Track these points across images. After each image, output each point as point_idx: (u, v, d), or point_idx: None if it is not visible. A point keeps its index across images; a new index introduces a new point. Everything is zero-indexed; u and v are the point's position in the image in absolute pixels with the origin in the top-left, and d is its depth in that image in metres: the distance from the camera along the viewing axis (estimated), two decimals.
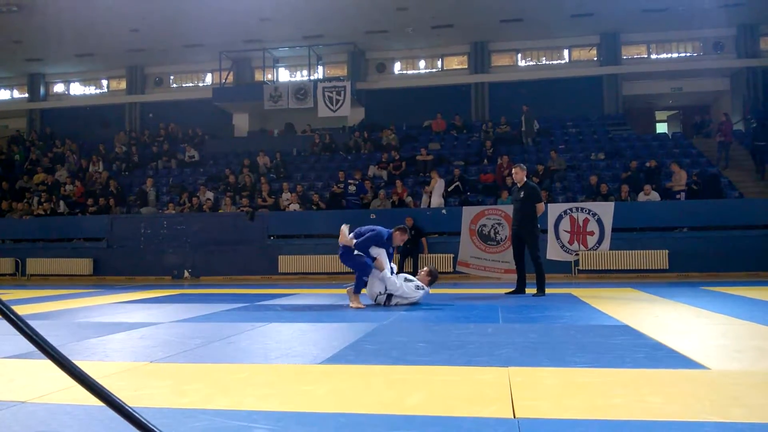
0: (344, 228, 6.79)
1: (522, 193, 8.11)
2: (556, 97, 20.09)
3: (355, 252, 6.67)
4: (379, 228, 6.79)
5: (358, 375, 3.19)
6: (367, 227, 6.88)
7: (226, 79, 21.64)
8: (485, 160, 16.66)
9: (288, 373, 3.29)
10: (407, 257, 13.27)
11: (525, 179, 8.27)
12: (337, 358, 3.64)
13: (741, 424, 2.19)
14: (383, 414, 2.41)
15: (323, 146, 18.98)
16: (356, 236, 6.71)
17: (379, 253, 6.63)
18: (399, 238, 6.86)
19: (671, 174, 14.09)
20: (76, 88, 24.80)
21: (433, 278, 7.09)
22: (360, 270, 6.65)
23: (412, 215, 13.50)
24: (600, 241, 12.59)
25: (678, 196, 13.59)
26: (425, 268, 7.30)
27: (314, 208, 14.90)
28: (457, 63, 22.11)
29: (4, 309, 1.25)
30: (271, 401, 2.63)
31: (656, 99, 22.24)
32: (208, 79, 23.52)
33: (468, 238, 12.20)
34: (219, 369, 3.41)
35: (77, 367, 1.31)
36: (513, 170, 8.61)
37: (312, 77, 21.37)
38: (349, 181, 15.24)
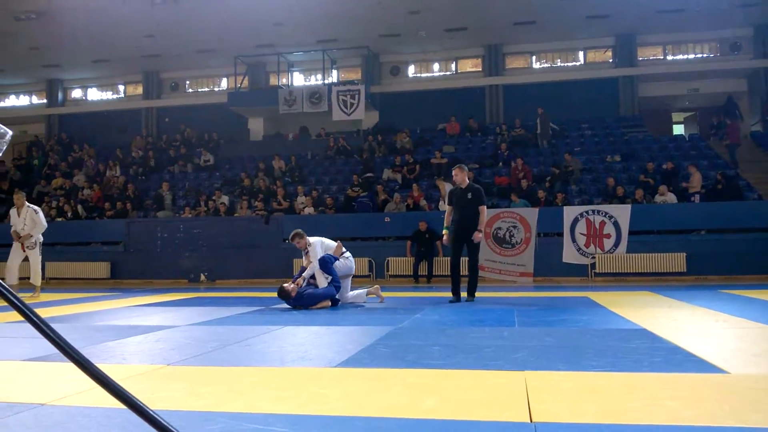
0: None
1: (469, 194, 7.66)
2: (571, 99, 19.96)
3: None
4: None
5: (373, 378, 3.19)
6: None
7: (241, 84, 21.77)
8: (500, 163, 16.60)
9: (303, 376, 3.30)
10: (422, 260, 13.23)
11: (467, 180, 7.86)
12: (352, 362, 3.64)
13: (760, 429, 2.16)
14: (399, 418, 2.41)
15: (338, 150, 19.03)
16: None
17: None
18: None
19: (688, 176, 13.95)
20: (94, 94, 25.07)
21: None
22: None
23: (426, 218, 13.47)
24: (617, 244, 12.53)
25: (693, 198, 13.44)
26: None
27: (330, 211, 14.95)
28: (471, 65, 22.06)
29: (28, 312, 1.27)
30: (286, 404, 2.64)
31: (673, 100, 22.02)
32: (224, 83, 23.67)
33: (483, 241, 12.16)
34: (234, 372, 3.43)
35: (100, 370, 1.32)
36: (453, 171, 8.01)
37: (326, 81, 21.44)
38: (362, 193, 15.26)
